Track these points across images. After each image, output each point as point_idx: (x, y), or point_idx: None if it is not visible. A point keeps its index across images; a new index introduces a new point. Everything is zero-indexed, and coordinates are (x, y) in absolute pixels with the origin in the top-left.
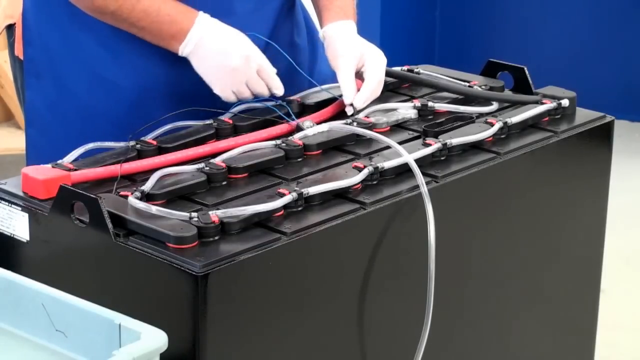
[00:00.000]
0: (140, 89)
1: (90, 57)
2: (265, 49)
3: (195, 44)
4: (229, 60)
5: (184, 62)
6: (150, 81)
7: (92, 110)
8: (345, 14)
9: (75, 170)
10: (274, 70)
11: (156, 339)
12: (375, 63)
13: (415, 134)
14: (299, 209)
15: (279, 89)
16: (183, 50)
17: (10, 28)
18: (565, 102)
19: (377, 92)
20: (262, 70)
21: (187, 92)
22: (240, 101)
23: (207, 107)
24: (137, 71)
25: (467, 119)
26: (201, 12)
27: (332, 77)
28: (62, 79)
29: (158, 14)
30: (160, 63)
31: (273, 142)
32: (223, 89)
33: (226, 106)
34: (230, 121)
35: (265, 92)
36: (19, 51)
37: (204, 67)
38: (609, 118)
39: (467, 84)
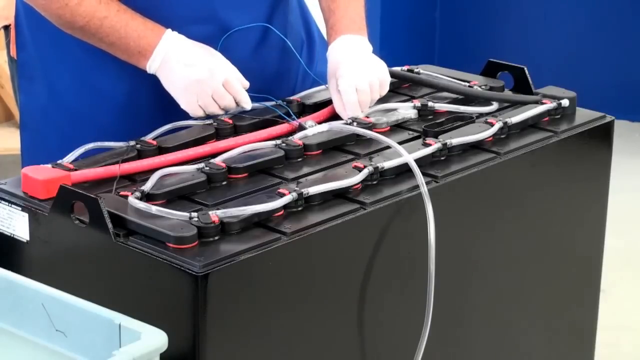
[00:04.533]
0: (126, 94)
1: (78, 63)
2: (255, 51)
3: (162, 60)
4: (193, 72)
5: None
6: (137, 87)
7: (80, 115)
8: (336, 31)
9: (75, 170)
10: (244, 84)
11: (156, 339)
12: (344, 78)
13: (415, 134)
14: (299, 209)
15: (247, 104)
16: (151, 67)
17: (7, 29)
18: (565, 102)
19: (365, 99)
20: (228, 83)
21: (170, 99)
22: (209, 116)
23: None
24: (123, 77)
25: (467, 119)
26: (168, 30)
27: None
28: (52, 84)
29: (126, 30)
30: (143, 70)
31: (273, 142)
32: (189, 102)
33: None
34: (230, 121)
35: (232, 105)
36: (14, 52)
37: (169, 82)
38: (609, 118)
39: (467, 84)
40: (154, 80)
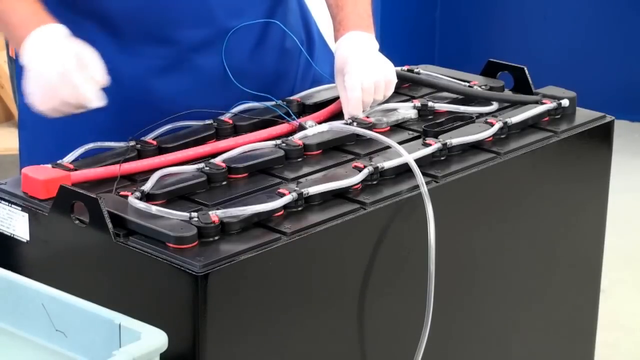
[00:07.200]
0: (121, 97)
1: None
2: (253, 53)
3: (28, 56)
4: (44, 77)
5: (165, 72)
6: (132, 90)
7: (76, 115)
8: (345, 27)
9: (75, 170)
10: (98, 81)
11: (156, 339)
12: (351, 74)
13: (415, 134)
14: (299, 209)
15: (90, 101)
16: (24, 60)
17: None
18: (565, 102)
19: (369, 98)
20: (78, 86)
21: (168, 101)
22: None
23: (188, 117)
24: (119, 80)
25: (467, 119)
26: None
27: (329, 78)
28: None
29: (10, 16)
30: (142, 73)
31: (273, 142)
32: (43, 104)
33: (225, 109)
34: (230, 121)
35: (80, 102)
36: (13, 52)
37: (28, 81)
38: (609, 118)
39: (467, 84)
40: (148, 83)
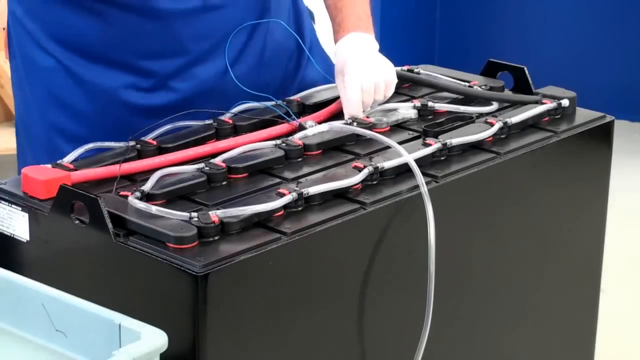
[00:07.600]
0: (98, 113)
1: (51, 80)
2: (235, 63)
3: None
4: None
5: (143, 88)
6: (109, 106)
7: (56, 129)
8: (344, 28)
9: (75, 170)
10: None
11: (156, 339)
12: (350, 75)
13: (415, 134)
14: (299, 209)
15: None
16: None
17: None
18: (565, 102)
19: (368, 99)
20: None
21: (145, 117)
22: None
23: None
24: (96, 96)
25: (467, 119)
26: None
27: (321, 82)
28: (34, 94)
29: None
30: (119, 89)
31: (273, 142)
32: None
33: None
34: (230, 121)
35: None
36: (6, 54)
37: None
38: (609, 118)
39: (467, 84)
40: (125, 99)
